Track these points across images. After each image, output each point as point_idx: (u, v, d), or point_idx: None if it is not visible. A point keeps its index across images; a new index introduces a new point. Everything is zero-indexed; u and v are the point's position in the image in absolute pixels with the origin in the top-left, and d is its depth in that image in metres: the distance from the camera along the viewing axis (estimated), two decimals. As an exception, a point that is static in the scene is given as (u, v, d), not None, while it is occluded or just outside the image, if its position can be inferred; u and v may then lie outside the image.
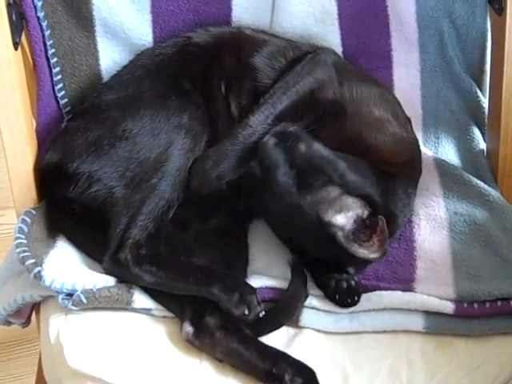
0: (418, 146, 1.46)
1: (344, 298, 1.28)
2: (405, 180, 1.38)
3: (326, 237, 1.27)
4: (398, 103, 1.46)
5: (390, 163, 1.35)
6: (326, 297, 1.30)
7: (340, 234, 1.26)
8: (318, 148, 1.31)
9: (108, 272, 1.29)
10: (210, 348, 1.23)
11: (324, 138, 1.33)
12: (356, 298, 1.28)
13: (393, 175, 1.35)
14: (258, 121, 1.34)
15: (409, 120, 1.45)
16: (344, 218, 1.27)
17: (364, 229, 1.27)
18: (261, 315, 1.23)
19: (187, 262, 1.33)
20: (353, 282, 1.29)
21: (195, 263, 1.33)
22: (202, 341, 1.23)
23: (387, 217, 1.28)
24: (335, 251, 1.28)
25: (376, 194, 1.31)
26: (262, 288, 1.30)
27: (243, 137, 1.33)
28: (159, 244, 1.32)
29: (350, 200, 1.28)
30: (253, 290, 1.25)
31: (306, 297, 1.29)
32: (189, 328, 1.24)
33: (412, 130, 1.45)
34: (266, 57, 1.44)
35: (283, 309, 1.28)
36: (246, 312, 1.22)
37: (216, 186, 1.33)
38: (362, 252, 1.26)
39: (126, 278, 1.29)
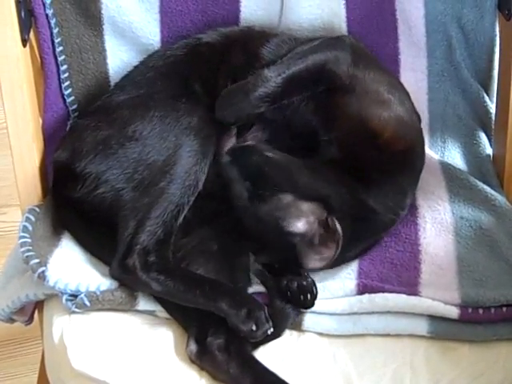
0: (422, 138, 1.44)
1: (296, 296, 1.27)
2: (402, 171, 1.35)
3: (285, 244, 1.26)
4: (408, 94, 1.45)
5: (390, 147, 1.33)
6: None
7: (300, 243, 1.26)
8: (271, 156, 1.31)
9: (115, 278, 1.27)
10: (210, 369, 1.21)
11: (330, 112, 1.34)
12: (309, 297, 1.27)
13: (388, 164, 1.33)
14: (270, 75, 1.34)
15: (418, 116, 1.44)
16: (305, 224, 1.26)
17: (322, 233, 1.26)
18: (269, 332, 1.21)
19: (196, 274, 1.30)
20: (304, 282, 1.28)
21: (204, 275, 1.30)
22: (203, 361, 1.21)
23: (364, 213, 1.29)
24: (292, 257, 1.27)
25: (337, 194, 1.29)
26: (264, 293, 1.30)
27: (252, 86, 1.34)
28: (168, 250, 1.30)
29: (305, 205, 1.27)
30: (261, 306, 1.23)
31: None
32: (193, 346, 1.22)
33: (419, 123, 1.44)
34: (273, 47, 1.44)
35: (277, 319, 1.25)
36: (254, 328, 1.20)
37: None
38: (313, 263, 1.26)
39: (133, 285, 1.27)
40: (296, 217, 1.26)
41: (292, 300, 1.27)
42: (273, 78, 1.34)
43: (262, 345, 1.23)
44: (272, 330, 1.22)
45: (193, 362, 1.22)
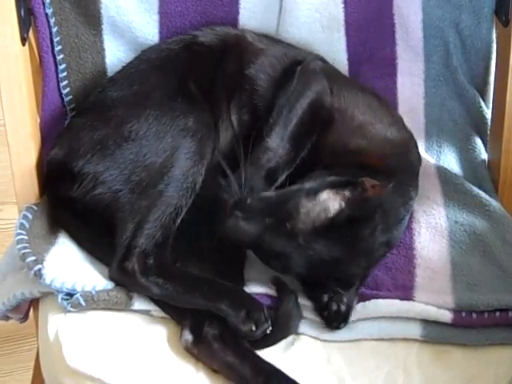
0: (411, 144, 1.44)
1: (331, 318, 1.26)
2: (399, 185, 1.36)
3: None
4: (386, 105, 1.47)
5: (380, 166, 1.34)
6: (314, 309, 1.29)
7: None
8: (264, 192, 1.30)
9: (114, 280, 1.27)
10: (206, 358, 1.21)
11: (321, 147, 1.35)
12: (341, 325, 1.26)
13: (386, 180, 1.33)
14: (276, 143, 1.34)
15: (399, 119, 1.46)
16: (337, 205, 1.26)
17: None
18: (268, 331, 1.22)
19: (195, 275, 1.30)
20: (343, 307, 1.26)
21: (203, 276, 1.30)
22: (199, 350, 1.22)
23: None
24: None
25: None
26: (261, 294, 1.30)
27: (265, 161, 1.33)
28: (166, 252, 1.30)
29: (324, 194, 1.26)
30: (261, 306, 1.23)
31: (301, 315, 1.28)
32: (188, 336, 1.22)
33: (403, 128, 1.45)
34: (261, 68, 1.44)
35: (278, 327, 1.25)
36: (253, 328, 1.21)
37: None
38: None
39: (132, 288, 1.27)
40: (327, 210, 1.25)
41: (324, 318, 1.27)
42: (278, 147, 1.34)
43: (259, 349, 1.23)
44: (271, 328, 1.22)
45: (188, 351, 1.22)
